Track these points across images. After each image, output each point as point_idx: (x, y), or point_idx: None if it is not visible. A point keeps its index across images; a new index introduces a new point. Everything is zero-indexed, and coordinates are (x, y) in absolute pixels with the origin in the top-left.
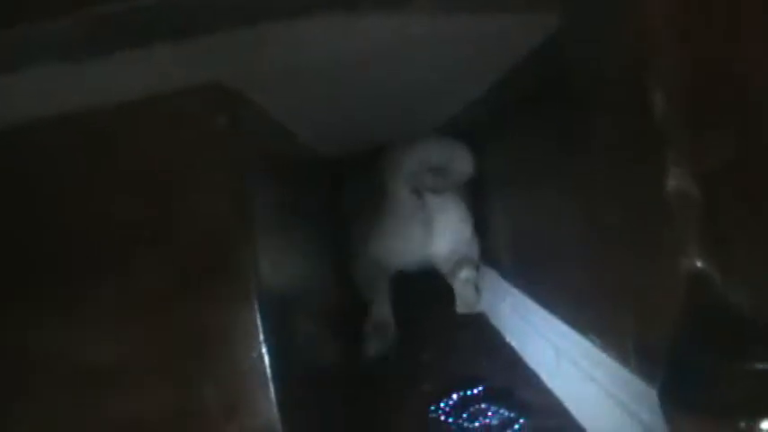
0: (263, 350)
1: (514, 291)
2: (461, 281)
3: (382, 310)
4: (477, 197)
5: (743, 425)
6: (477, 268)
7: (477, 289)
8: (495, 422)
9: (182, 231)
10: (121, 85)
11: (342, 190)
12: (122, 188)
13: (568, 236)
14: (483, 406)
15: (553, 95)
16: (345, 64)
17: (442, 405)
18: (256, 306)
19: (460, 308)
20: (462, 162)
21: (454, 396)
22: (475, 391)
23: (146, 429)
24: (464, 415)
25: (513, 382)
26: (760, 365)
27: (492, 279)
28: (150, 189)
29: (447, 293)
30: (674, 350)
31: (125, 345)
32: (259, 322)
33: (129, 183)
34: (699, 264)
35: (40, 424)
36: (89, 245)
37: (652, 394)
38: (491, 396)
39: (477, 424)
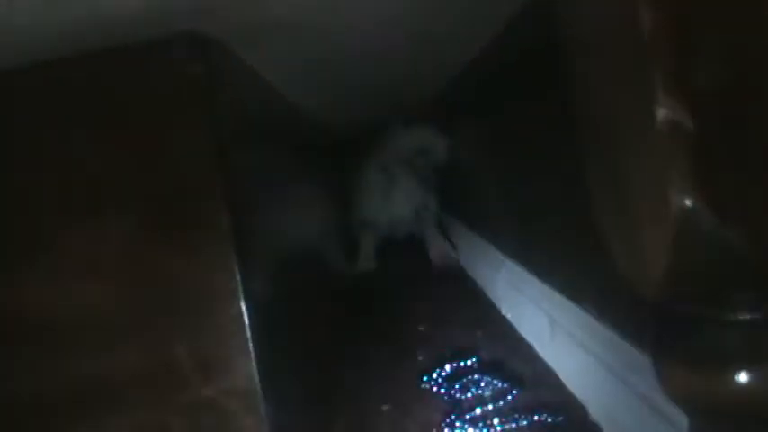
0: (243, 308)
1: (509, 262)
2: (429, 233)
3: (367, 249)
4: (468, 171)
5: (727, 376)
6: (438, 224)
7: (452, 244)
8: (487, 393)
9: (155, 183)
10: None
11: (343, 158)
12: (94, 136)
13: (558, 199)
14: (476, 377)
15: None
16: (333, 23)
17: (434, 376)
18: (236, 263)
19: (434, 258)
20: (439, 148)
21: (447, 367)
22: (468, 362)
23: (113, 389)
24: (456, 386)
25: (507, 354)
26: (745, 315)
27: (487, 251)
28: (123, 138)
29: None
30: (661, 299)
31: (91, 299)
32: (239, 279)
33: (101, 131)
34: (689, 201)
35: (4, 382)
36: (57, 193)
37: (646, 361)
38: (484, 367)
39: (469, 395)
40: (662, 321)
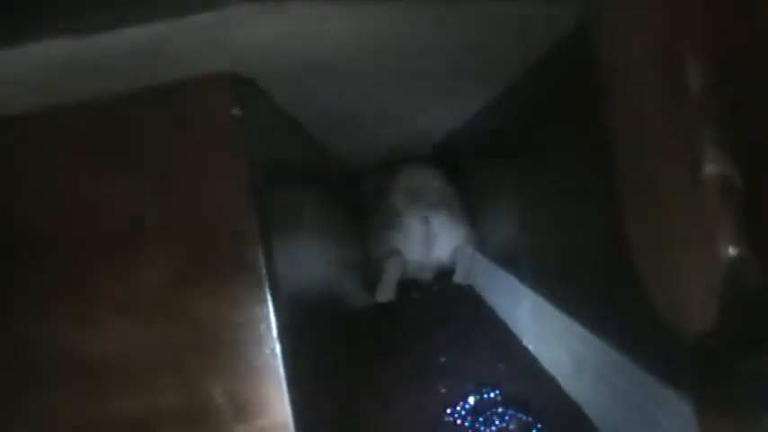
0: (277, 348)
1: (533, 295)
2: (466, 256)
3: (390, 280)
4: (490, 202)
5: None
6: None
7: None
8: (512, 427)
9: (190, 224)
10: (130, 69)
11: (358, 188)
12: (128, 180)
13: (585, 235)
14: (500, 410)
15: (571, 92)
16: (357, 57)
17: (458, 408)
18: (270, 303)
19: (458, 278)
20: (437, 185)
21: (470, 399)
22: (491, 394)
23: (148, 428)
24: (481, 419)
25: (530, 387)
26: None
27: (509, 282)
28: (157, 180)
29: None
30: (704, 346)
31: (128, 341)
32: (273, 319)
33: (136, 174)
34: (736, 252)
35: (41, 422)
36: (94, 237)
37: (677, 402)
38: (508, 400)
39: (493, 428)
40: (704, 368)
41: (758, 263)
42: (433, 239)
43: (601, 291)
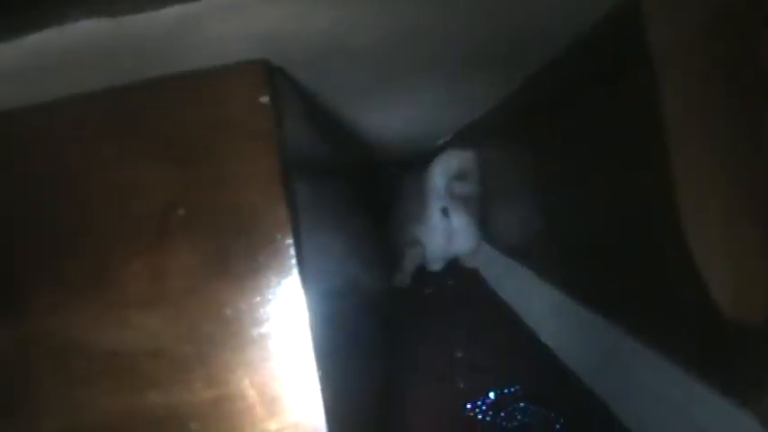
0: (310, 341)
1: (551, 289)
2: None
3: (409, 266)
4: (511, 196)
5: None
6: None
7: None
8: (534, 422)
9: (219, 213)
10: (160, 53)
11: (383, 177)
12: (157, 168)
13: (607, 227)
14: (521, 405)
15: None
16: (383, 44)
17: (478, 403)
18: (302, 293)
19: (468, 263)
20: (475, 173)
21: (491, 395)
22: (512, 389)
23: (178, 421)
24: (502, 414)
25: (551, 383)
26: None
27: (526, 277)
28: (186, 168)
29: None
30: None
31: (157, 333)
32: (305, 310)
33: (164, 161)
34: None
35: (68, 413)
36: (121, 227)
37: (709, 395)
38: (528, 395)
39: (515, 423)
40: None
41: None
42: (453, 235)
43: (627, 284)
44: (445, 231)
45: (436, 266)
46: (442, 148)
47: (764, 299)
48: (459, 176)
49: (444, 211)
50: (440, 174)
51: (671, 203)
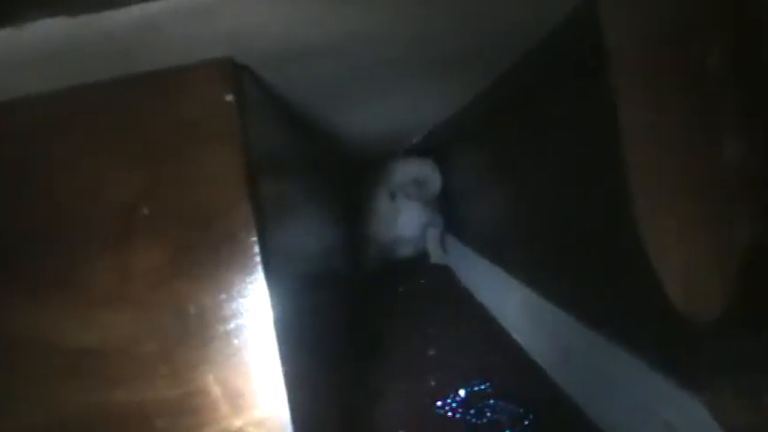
0: (274, 338)
1: (521, 286)
2: (430, 239)
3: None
4: (480, 194)
5: None
6: (441, 234)
7: (444, 247)
8: (503, 418)
9: (183, 211)
10: (125, 52)
11: (350, 174)
12: (120, 167)
13: (574, 225)
14: (491, 402)
15: (568, 78)
16: (350, 43)
17: (448, 401)
18: (266, 291)
19: (433, 259)
20: (434, 180)
21: (461, 392)
22: (482, 387)
23: (142, 419)
24: (472, 411)
25: (521, 379)
26: None
27: (498, 276)
28: (150, 168)
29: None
30: (720, 329)
31: (121, 332)
32: (269, 308)
33: (128, 161)
34: (755, 236)
35: (33, 411)
36: (82, 223)
37: (673, 391)
38: (499, 392)
39: (485, 420)
40: (718, 351)
41: None
42: (396, 217)
43: (593, 281)
44: (390, 213)
45: (402, 253)
46: (403, 154)
47: (715, 295)
48: (418, 183)
49: (392, 195)
50: (396, 178)
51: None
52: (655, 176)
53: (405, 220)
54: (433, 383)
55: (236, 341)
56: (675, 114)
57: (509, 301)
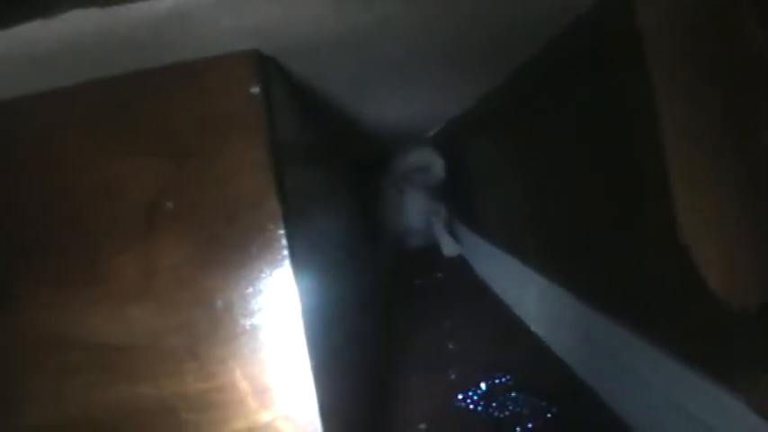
0: (303, 332)
1: (539, 278)
2: (438, 230)
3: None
4: (498, 185)
5: None
6: (447, 224)
7: (456, 238)
8: (525, 411)
9: (209, 205)
10: (152, 44)
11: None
12: (145, 160)
13: (596, 215)
14: (513, 395)
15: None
16: (377, 34)
17: (469, 394)
18: (294, 284)
19: (445, 252)
20: (437, 165)
21: (482, 385)
22: (503, 379)
23: (169, 413)
24: (493, 404)
25: (542, 371)
26: None
27: (515, 267)
28: (175, 160)
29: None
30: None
31: (147, 326)
32: (297, 300)
33: (154, 151)
34: None
35: (59, 406)
36: (108, 218)
37: (699, 383)
38: (520, 385)
39: (507, 413)
40: (755, 342)
41: None
42: (402, 207)
43: (616, 272)
44: (395, 204)
45: (415, 243)
46: (406, 145)
47: (756, 285)
48: (421, 168)
49: (398, 185)
50: (398, 165)
51: (660, 190)
52: (693, 164)
53: (410, 209)
54: (453, 377)
55: (262, 335)
56: (715, 100)
57: (527, 293)
